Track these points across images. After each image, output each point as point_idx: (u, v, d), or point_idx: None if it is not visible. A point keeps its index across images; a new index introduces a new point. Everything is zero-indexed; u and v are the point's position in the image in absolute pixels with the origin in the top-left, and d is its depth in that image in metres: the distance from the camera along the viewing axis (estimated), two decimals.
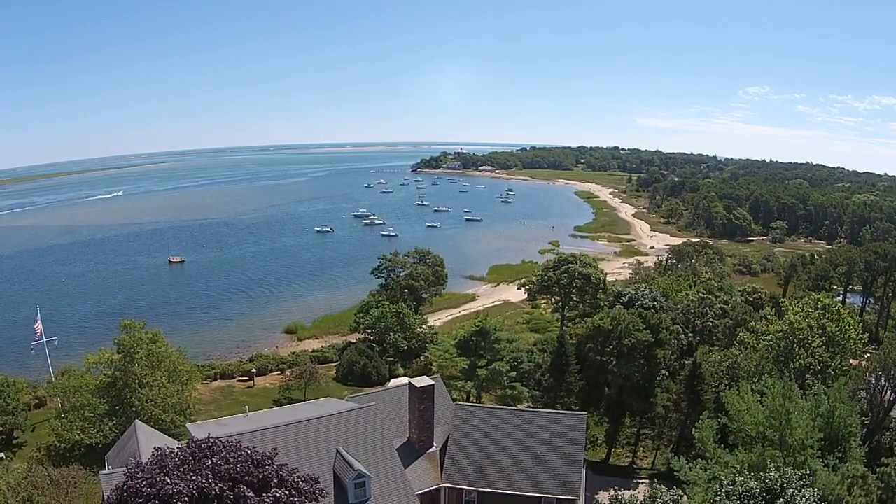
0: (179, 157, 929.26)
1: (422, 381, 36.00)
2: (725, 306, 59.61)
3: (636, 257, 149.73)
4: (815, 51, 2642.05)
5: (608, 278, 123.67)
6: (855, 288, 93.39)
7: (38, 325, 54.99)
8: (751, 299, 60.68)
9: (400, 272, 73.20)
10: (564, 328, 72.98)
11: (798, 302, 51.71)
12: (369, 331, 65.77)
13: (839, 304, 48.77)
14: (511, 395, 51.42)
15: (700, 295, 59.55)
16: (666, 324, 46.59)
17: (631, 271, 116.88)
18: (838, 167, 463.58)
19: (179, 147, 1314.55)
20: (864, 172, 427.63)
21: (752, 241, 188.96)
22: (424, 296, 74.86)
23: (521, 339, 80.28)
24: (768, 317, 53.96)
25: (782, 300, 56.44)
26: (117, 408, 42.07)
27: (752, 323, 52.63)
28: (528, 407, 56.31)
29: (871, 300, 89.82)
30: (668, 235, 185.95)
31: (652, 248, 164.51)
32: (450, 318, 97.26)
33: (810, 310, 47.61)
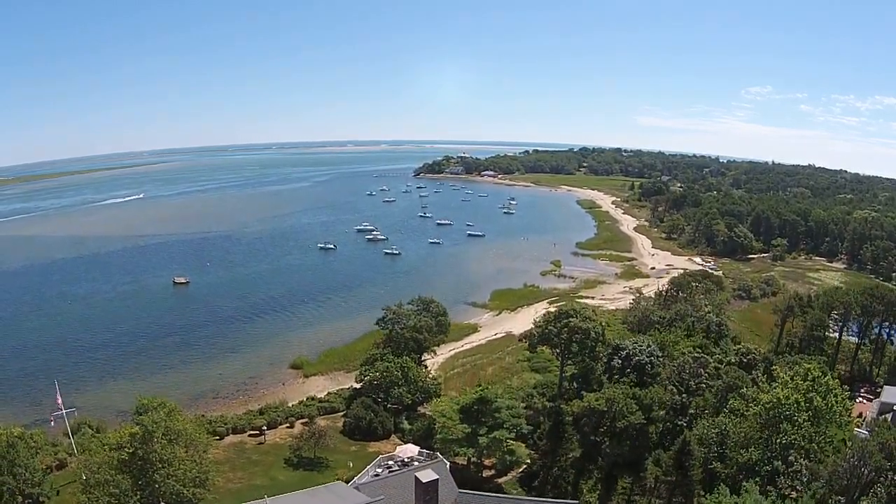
0: (181, 156, 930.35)
1: (427, 476, 38.16)
2: (720, 366, 61.62)
3: (636, 279, 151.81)
4: (817, 51, 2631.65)
5: (608, 306, 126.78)
6: (852, 316, 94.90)
7: (59, 400, 57.18)
8: (744, 360, 62.69)
9: (404, 323, 75.23)
10: (563, 375, 75.12)
11: (789, 370, 53.58)
12: (374, 382, 67.82)
13: (829, 376, 50.62)
14: (511, 460, 53.67)
15: (695, 354, 61.51)
16: (658, 396, 48.55)
17: (632, 299, 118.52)
18: (840, 170, 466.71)
19: (181, 145, 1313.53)
20: (866, 177, 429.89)
21: (753, 258, 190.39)
22: (426, 345, 76.94)
23: (522, 380, 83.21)
24: (759, 383, 55.87)
25: (773, 367, 58.33)
26: (140, 482, 44.01)
27: (743, 389, 54.55)
28: (527, 466, 58.68)
29: (867, 342, 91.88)
30: (669, 253, 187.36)
31: (653, 268, 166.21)
32: (452, 352, 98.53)
33: (800, 381, 49.49)
